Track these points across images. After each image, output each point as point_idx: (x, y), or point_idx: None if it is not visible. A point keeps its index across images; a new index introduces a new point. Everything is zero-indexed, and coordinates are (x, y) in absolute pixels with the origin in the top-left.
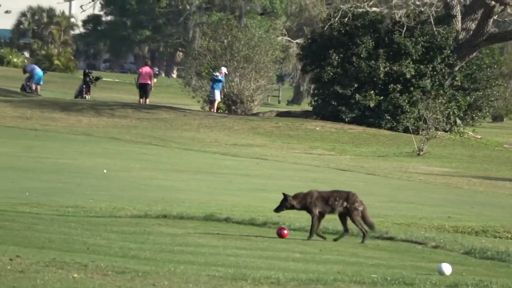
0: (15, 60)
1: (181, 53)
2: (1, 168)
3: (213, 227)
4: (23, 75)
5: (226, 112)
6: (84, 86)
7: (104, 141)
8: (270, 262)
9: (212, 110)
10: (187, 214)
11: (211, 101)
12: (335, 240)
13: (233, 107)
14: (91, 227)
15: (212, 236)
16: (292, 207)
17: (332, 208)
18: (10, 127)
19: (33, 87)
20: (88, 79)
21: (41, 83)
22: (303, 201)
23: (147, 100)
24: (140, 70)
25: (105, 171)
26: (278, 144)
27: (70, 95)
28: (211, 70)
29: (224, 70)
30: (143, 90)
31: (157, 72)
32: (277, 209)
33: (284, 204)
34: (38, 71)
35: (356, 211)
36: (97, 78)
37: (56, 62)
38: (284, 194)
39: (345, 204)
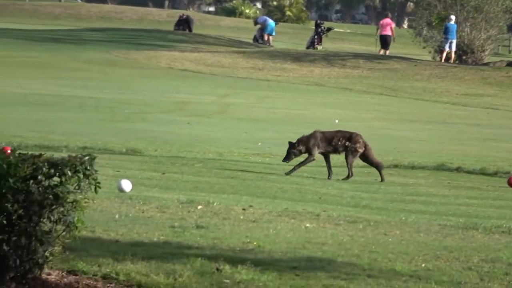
0: (247, 11)
1: (411, 4)
2: (234, 119)
3: (444, 176)
4: (254, 26)
5: (457, 62)
6: (315, 36)
7: (335, 91)
8: (501, 212)
9: (443, 60)
10: (418, 163)
11: (442, 51)
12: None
13: (464, 57)
14: (323, 176)
15: (443, 186)
16: (300, 152)
17: (334, 148)
18: (242, 78)
19: (266, 37)
20: (319, 29)
21: (274, 34)
22: (307, 143)
23: (387, 52)
24: (381, 22)
25: (336, 121)
26: (509, 94)
27: (302, 46)
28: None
29: (453, 18)
30: (384, 41)
31: None
32: (286, 159)
33: (292, 152)
34: (271, 22)
35: (356, 152)
36: (329, 29)
37: (288, 13)
38: (289, 142)
39: (347, 143)
